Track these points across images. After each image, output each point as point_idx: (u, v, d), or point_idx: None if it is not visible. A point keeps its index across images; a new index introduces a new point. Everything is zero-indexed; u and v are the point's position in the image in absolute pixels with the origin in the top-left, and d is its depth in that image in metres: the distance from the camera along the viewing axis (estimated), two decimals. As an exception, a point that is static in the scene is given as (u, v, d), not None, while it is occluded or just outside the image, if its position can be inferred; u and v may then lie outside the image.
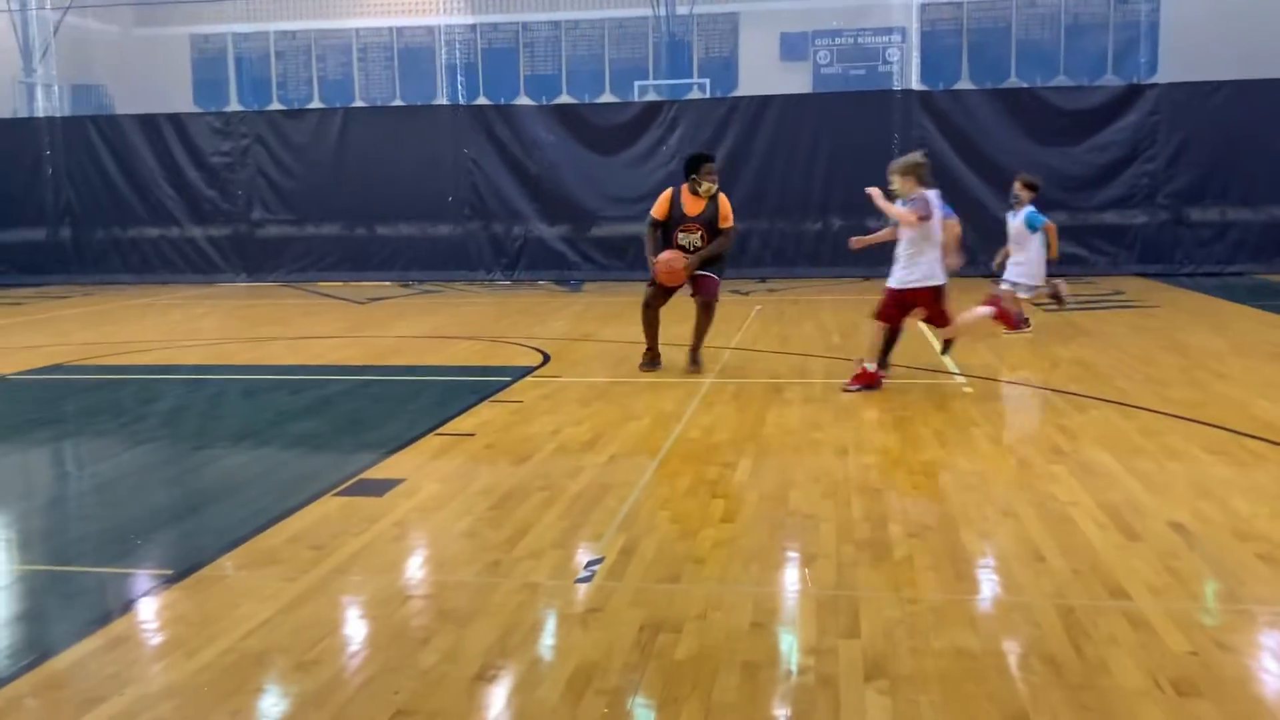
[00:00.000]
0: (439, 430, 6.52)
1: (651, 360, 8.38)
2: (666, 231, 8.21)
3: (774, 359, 8.98)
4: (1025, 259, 9.95)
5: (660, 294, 8.26)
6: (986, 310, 9.21)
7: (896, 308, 7.45)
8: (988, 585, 3.98)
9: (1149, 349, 9.15)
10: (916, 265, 7.35)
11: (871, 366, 7.51)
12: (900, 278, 7.40)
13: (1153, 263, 15.87)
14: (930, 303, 7.46)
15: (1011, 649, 3.37)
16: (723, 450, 5.93)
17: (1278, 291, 13.48)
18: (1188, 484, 5.07)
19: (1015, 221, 10.05)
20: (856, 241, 8.04)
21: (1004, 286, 9.99)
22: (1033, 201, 9.98)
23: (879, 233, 8.12)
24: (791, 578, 4.09)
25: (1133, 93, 16.46)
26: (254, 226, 18.17)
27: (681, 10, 22.54)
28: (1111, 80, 19.74)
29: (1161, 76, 19.18)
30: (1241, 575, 3.92)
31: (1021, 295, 9.95)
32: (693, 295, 8.33)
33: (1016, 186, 10.12)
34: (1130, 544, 4.25)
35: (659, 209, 8.24)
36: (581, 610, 3.75)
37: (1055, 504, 4.79)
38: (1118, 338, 9.91)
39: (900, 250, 7.42)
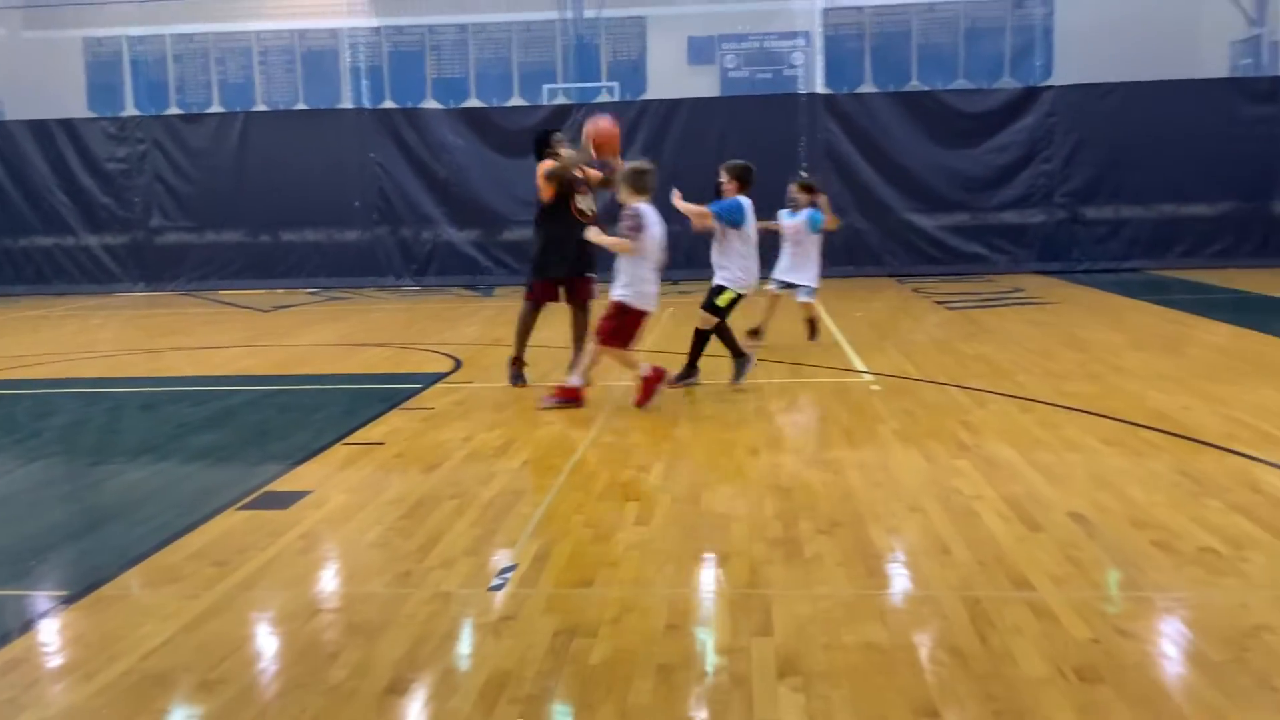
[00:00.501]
0: (347, 440, 6.41)
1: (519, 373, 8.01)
2: (566, 202, 7.86)
3: (680, 360, 9.00)
4: (806, 261, 9.53)
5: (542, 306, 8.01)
6: (639, 370, 7.13)
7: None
8: (896, 579, 4.05)
9: (1048, 344, 9.41)
10: (620, 282, 6.94)
11: (576, 381, 7.08)
12: (618, 291, 6.96)
13: (1051, 260, 16.33)
14: (609, 317, 6.96)
15: (920, 641, 3.43)
16: (636, 453, 5.93)
17: (1170, 287, 13.98)
18: (1086, 475, 5.22)
19: (794, 221, 9.59)
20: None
21: (771, 287, 9.60)
22: (811, 205, 9.58)
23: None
24: (705, 578, 4.10)
25: (1029, 95, 16.94)
26: (152, 234, 17.69)
27: (589, 14, 22.55)
28: (1009, 83, 20.24)
29: (1057, 79, 19.74)
30: (1140, 563, 4.05)
31: (801, 299, 9.50)
32: (569, 300, 7.97)
33: (793, 189, 9.78)
34: (1032, 535, 4.36)
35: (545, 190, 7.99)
36: (495, 618, 3.71)
37: (960, 498, 4.89)
38: (1018, 334, 10.17)
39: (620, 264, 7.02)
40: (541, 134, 8.22)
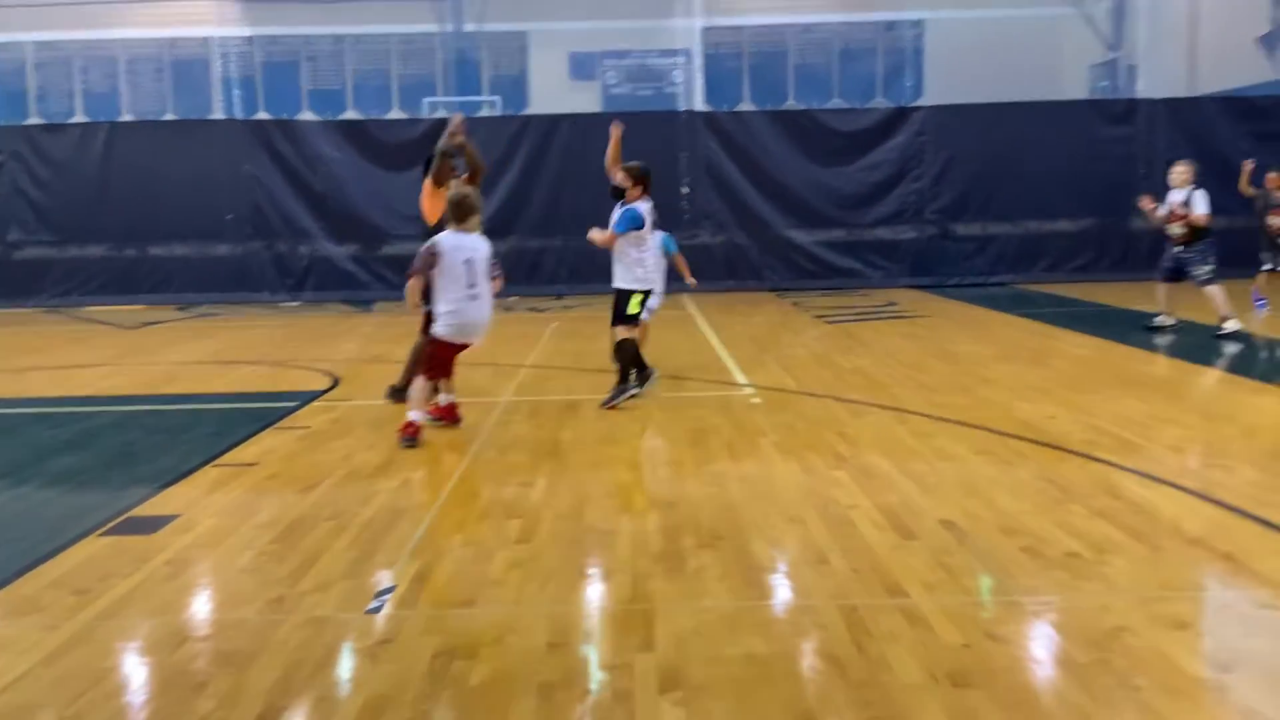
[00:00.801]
0: (217, 461, 6.20)
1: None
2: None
3: (570, 375, 9.00)
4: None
5: None
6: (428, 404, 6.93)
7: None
8: (776, 590, 4.10)
9: (921, 357, 9.68)
10: (437, 313, 6.69)
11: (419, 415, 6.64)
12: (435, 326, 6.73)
13: (923, 275, 16.83)
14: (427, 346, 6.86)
15: (799, 651, 3.47)
16: (519, 470, 5.88)
17: (1036, 300, 14.52)
18: (957, 484, 5.37)
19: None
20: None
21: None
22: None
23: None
24: (588, 595, 4.08)
25: (900, 115, 17.45)
26: (11, 249, 16.91)
27: (470, 27, 22.43)
28: (881, 103, 20.86)
29: (927, 100, 20.41)
30: (1009, 568, 4.17)
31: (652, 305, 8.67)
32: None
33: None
34: (906, 543, 4.46)
35: (433, 214, 7.90)
36: (372, 642, 3.62)
37: (837, 508, 4.98)
38: (893, 347, 10.44)
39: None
40: (434, 155, 8.12)
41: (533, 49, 23.11)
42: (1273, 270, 12.01)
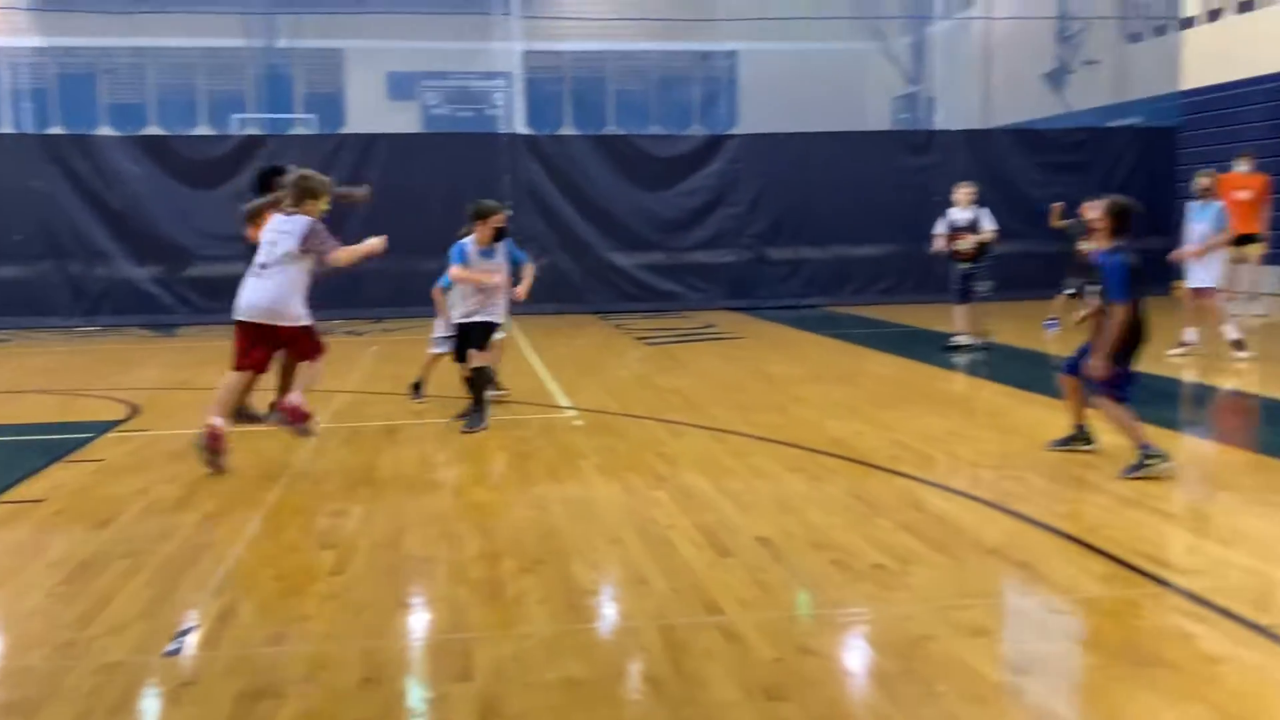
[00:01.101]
0: (0, 498, 5.77)
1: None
2: None
3: (389, 401, 8.79)
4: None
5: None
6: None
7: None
8: (597, 613, 4.10)
9: (738, 377, 9.91)
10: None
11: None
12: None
13: (740, 297, 17.27)
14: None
15: (618, 673, 3.48)
16: (334, 498, 5.70)
17: (845, 322, 15.10)
18: (772, 500, 5.51)
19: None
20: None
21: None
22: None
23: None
24: (404, 626, 3.98)
25: (716, 142, 17.92)
26: None
27: (282, 43, 21.77)
28: (698, 130, 21.34)
29: (742, 128, 21.01)
30: (820, 582, 4.30)
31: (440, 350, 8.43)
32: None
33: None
34: (723, 560, 4.54)
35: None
36: (171, 685, 3.43)
37: (657, 528, 5.03)
38: (711, 368, 10.65)
39: None
40: (267, 170, 7.85)
41: (349, 67, 22.66)
42: (1075, 294, 12.89)
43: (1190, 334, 10.33)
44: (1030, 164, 17.47)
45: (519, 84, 22.43)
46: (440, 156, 16.76)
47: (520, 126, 20.66)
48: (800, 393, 8.93)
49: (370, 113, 21.51)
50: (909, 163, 17.66)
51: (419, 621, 4.01)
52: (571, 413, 8.15)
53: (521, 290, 8.00)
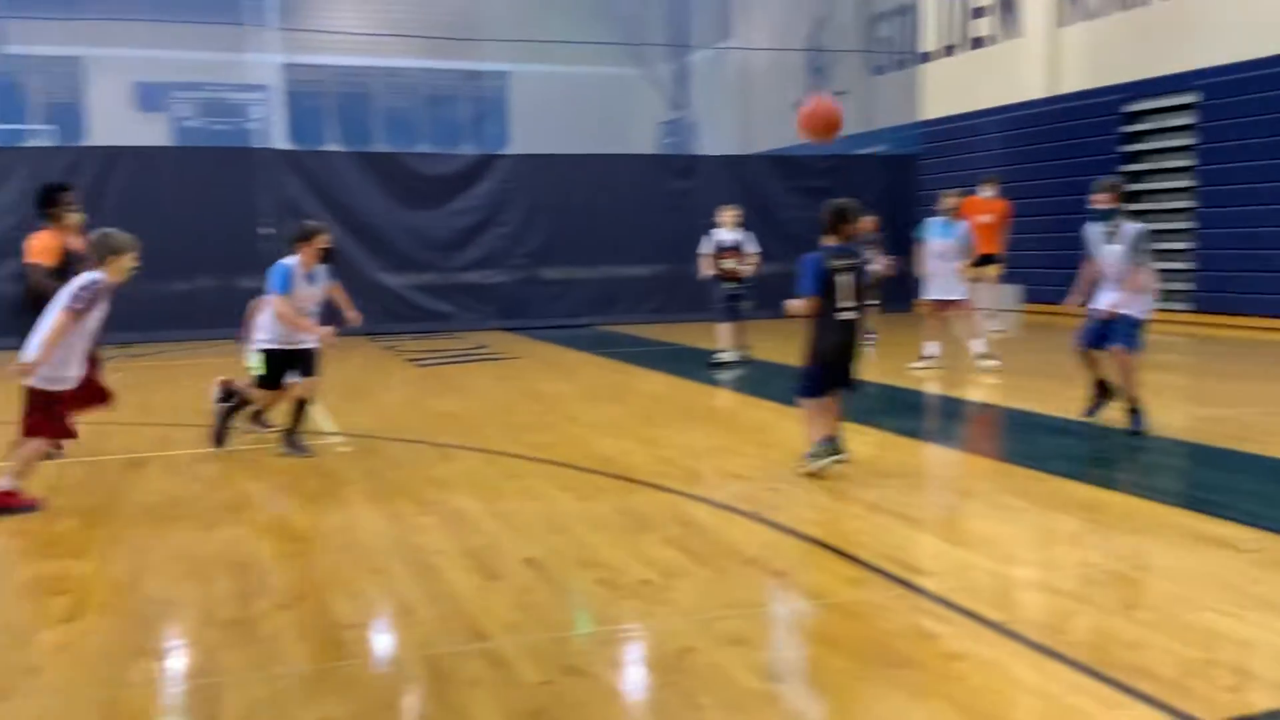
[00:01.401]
0: None
1: None
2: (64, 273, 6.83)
3: (133, 432, 8.23)
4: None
5: None
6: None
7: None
8: (359, 647, 3.95)
9: (510, 397, 9.87)
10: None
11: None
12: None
13: (513, 317, 17.24)
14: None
15: (380, 709, 3.36)
16: (67, 539, 5.28)
17: (615, 341, 15.31)
18: (542, 521, 5.49)
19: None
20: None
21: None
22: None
23: None
24: (146, 674, 3.72)
25: (486, 162, 17.85)
26: None
27: (13, 50, 20.15)
28: (468, 149, 21.20)
29: (513, 148, 21.03)
30: (587, 601, 4.31)
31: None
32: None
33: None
34: (490, 584, 4.48)
35: (50, 254, 7.08)
36: None
37: (423, 555, 4.92)
38: (483, 388, 10.56)
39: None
40: (49, 188, 7.21)
41: (91, 76, 21.24)
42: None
43: (931, 347, 11.03)
44: (786, 188, 18.30)
45: (279, 97, 21.65)
46: (192, 171, 15.95)
47: (280, 141, 19.95)
48: (572, 412, 8.97)
49: (116, 124, 20.19)
50: (675, 186, 18.14)
51: (162, 669, 3.75)
52: (337, 438, 7.89)
53: (354, 314, 7.79)
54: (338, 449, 7.53)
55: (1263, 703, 3.25)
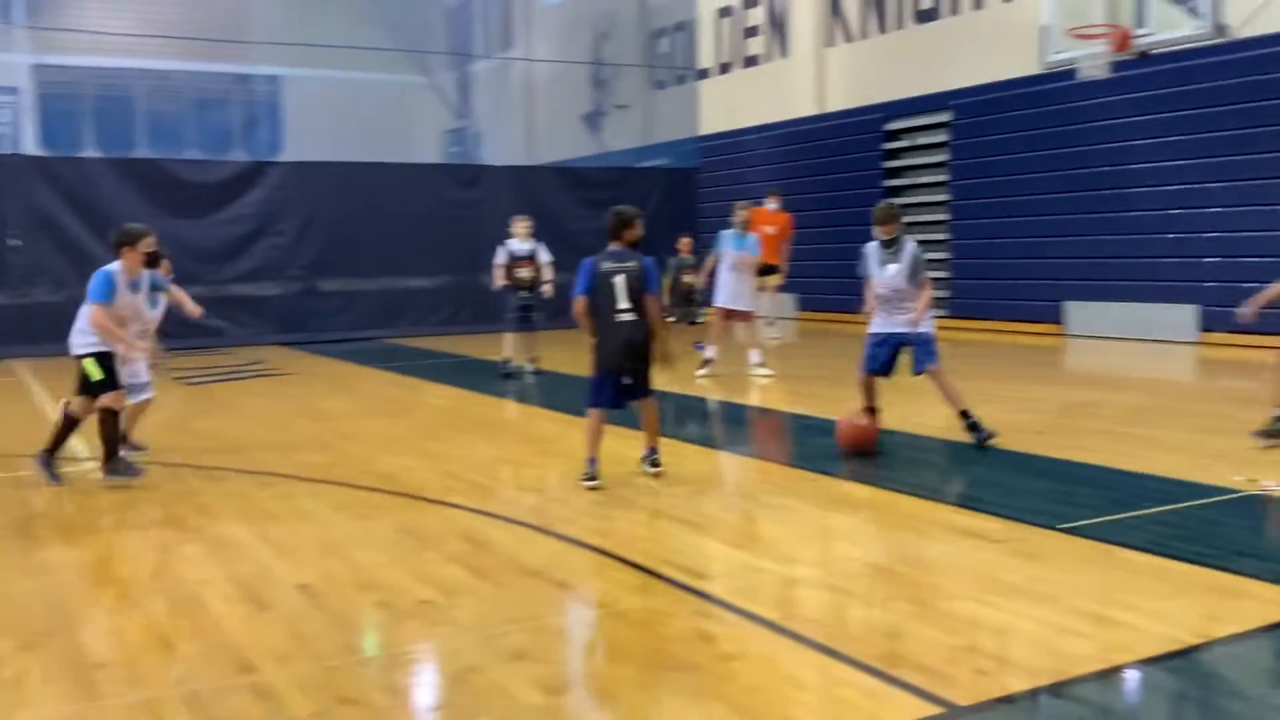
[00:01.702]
0: None
1: None
2: None
3: None
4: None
5: None
6: None
7: None
8: (110, 688, 3.65)
9: (285, 415, 9.46)
10: None
11: None
12: None
13: (291, 332, 16.57)
14: None
15: (132, 755, 3.12)
16: None
17: (402, 354, 14.95)
18: (317, 544, 5.26)
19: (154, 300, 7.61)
20: None
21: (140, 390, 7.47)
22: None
23: None
24: None
25: (258, 169, 17.10)
26: None
27: None
28: (239, 156, 20.30)
29: (287, 155, 20.25)
30: (363, 626, 4.15)
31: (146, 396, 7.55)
32: None
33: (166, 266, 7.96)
34: (259, 614, 4.25)
35: None
36: None
37: (185, 585, 4.62)
38: (255, 407, 10.09)
39: None
40: None
41: None
42: (676, 321, 13.98)
43: (710, 350, 11.28)
44: (572, 199, 18.37)
45: (29, 100, 20.17)
46: (-75, 178, 14.58)
47: (30, 147, 18.56)
48: (351, 429, 8.68)
49: None
50: (460, 196, 17.92)
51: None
52: (91, 464, 7.33)
53: (195, 308, 7.52)
54: (92, 475, 7.00)
55: (1017, 684, 3.45)
